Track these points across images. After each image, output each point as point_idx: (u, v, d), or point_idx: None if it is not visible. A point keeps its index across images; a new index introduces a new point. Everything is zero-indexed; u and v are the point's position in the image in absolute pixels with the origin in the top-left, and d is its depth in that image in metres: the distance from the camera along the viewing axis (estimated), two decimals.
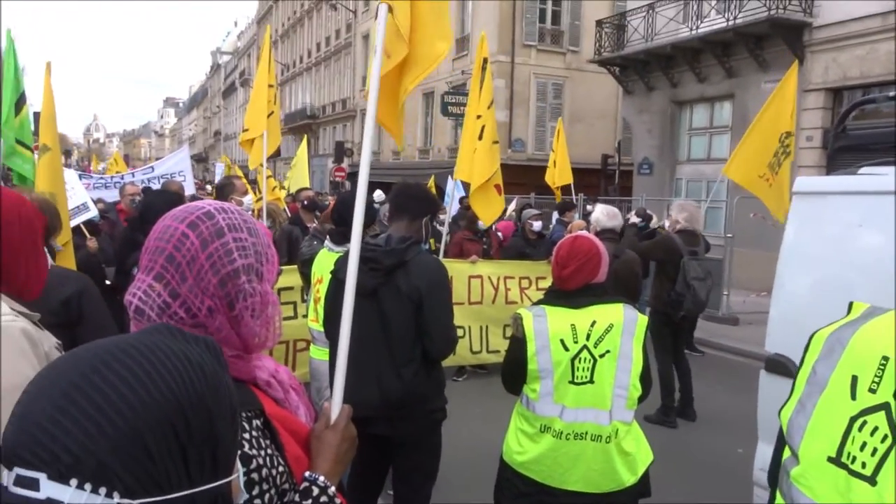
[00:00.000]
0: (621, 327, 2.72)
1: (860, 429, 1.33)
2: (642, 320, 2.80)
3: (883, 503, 1.25)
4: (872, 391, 1.33)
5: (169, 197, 4.15)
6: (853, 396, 1.36)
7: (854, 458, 1.32)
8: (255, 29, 64.73)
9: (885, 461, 1.28)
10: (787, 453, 1.51)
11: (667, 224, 6.80)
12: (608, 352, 2.70)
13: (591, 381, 2.69)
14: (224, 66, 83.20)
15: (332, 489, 1.31)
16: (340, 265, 3.23)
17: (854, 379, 1.37)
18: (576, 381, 2.68)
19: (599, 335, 2.69)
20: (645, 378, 2.80)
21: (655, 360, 6.26)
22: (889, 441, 1.28)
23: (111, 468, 0.69)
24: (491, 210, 7.13)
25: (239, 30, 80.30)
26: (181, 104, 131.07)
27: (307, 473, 1.30)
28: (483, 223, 7.66)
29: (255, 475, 1.11)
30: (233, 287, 1.21)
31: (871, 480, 1.28)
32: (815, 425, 1.43)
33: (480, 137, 6.70)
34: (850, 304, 1.54)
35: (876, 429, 1.31)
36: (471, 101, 6.95)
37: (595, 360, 2.68)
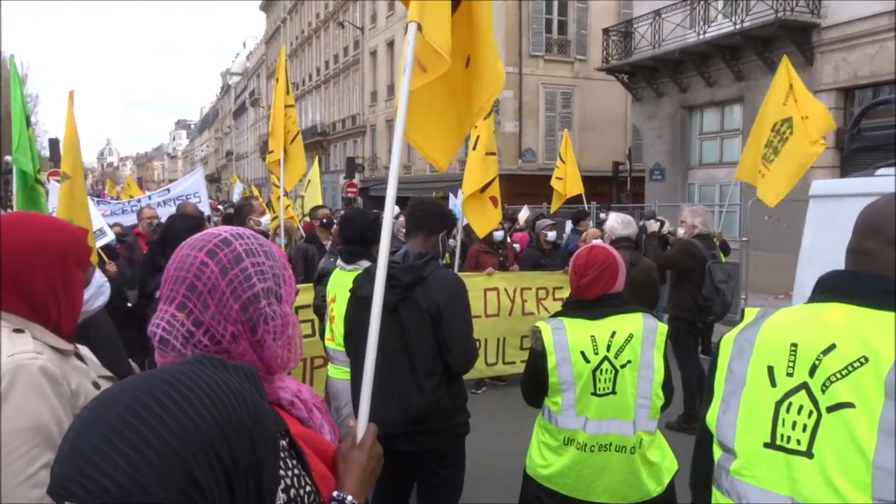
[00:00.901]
0: (641, 336, 2.71)
1: (787, 410, 1.48)
2: (662, 328, 2.79)
3: (823, 472, 1.39)
4: (790, 375, 1.50)
5: (190, 221, 4.18)
6: (773, 384, 1.52)
7: (788, 438, 1.47)
8: (263, 49, 65.39)
9: (816, 433, 1.43)
10: (718, 452, 1.61)
11: (680, 231, 6.75)
12: (629, 362, 2.69)
13: (614, 392, 2.68)
14: (234, 87, 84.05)
15: None
16: (360, 282, 3.24)
17: (770, 369, 1.53)
18: (598, 392, 2.68)
19: (620, 345, 2.69)
20: (666, 386, 2.79)
21: (679, 368, 6.24)
22: (815, 415, 1.43)
23: (158, 498, 0.71)
24: (485, 221, 7.10)
25: (248, 50, 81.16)
26: (193, 126, 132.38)
27: (335, 493, 1.31)
28: (477, 234, 7.65)
29: (283, 496, 1.12)
30: (254, 311, 1.23)
31: (808, 454, 1.43)
32: (745, 418, 1.56)
33: (474, 148, 6.81)
34: (743, 311, 1.73)
35: (801, 407, 1.46)
36: None
37: (616, 371, 2.68)
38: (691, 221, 6.54)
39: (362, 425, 1.56)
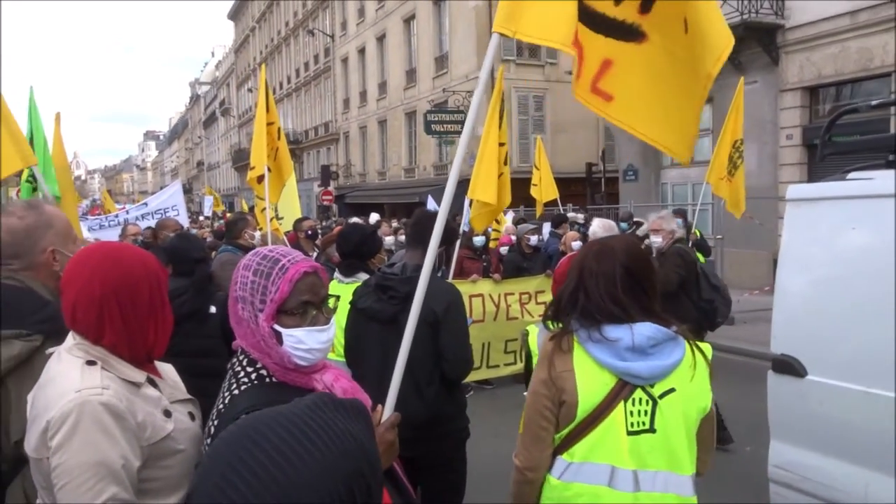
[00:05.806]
0: None
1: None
2: None
3: None
4: None
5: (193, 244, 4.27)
6: None
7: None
8: (232, 58, 64.91)
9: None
10: None
11: (657, 240, 5.98)
12: None
13: None
14: (203, 97, 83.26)
15: None
16: (359, 294, 3.32)
17: None
18: None
19: None
20: None
21: None
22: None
23: None
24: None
25: (216, 60, 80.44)
26: (162, 137, 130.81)
27: None
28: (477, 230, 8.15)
29: None
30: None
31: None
32: None
33: (506, 163, 7.00)
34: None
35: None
36: (492, 127, 6.99)
37: None
38: (668, 227, 5.99)
39: (387, 414, 1.71)
